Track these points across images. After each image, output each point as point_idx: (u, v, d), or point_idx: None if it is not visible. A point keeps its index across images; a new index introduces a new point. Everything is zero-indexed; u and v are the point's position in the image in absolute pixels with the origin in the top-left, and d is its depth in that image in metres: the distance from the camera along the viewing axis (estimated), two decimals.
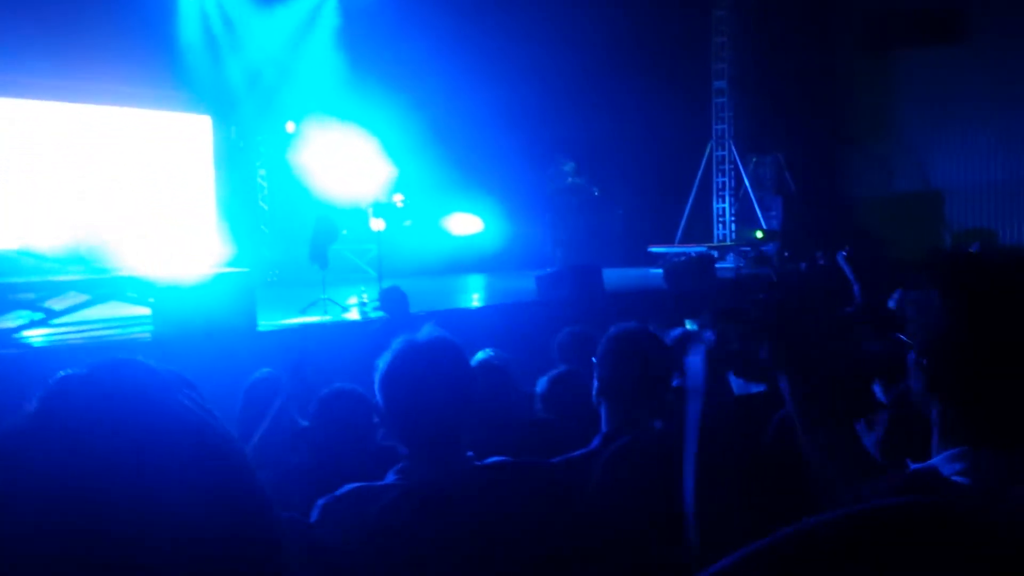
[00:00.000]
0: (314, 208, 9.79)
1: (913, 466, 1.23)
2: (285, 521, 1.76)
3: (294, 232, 10.41)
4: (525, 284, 9.21)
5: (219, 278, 6.00)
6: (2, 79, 8.98)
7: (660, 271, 9.88)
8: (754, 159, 14.57)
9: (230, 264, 8.62)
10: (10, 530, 0.63)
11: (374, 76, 11.41)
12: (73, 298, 6.27)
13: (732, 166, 14.61)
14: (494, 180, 12.44)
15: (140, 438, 0.66)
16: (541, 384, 3.27)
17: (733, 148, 14.55)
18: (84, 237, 7.41)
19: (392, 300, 6.12)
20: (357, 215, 9.96)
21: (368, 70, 11.52)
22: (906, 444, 1.67)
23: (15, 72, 8.98)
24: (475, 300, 9.48)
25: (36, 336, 5.74)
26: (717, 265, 11.06)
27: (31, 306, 6.02)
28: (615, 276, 9.90)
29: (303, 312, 7.27)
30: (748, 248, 13.09)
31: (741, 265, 12.59)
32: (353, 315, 7.56)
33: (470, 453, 1.94)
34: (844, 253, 5.16)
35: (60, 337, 5.74)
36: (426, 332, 1.95)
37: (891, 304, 2.58)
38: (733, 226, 14.72)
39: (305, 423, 2.83)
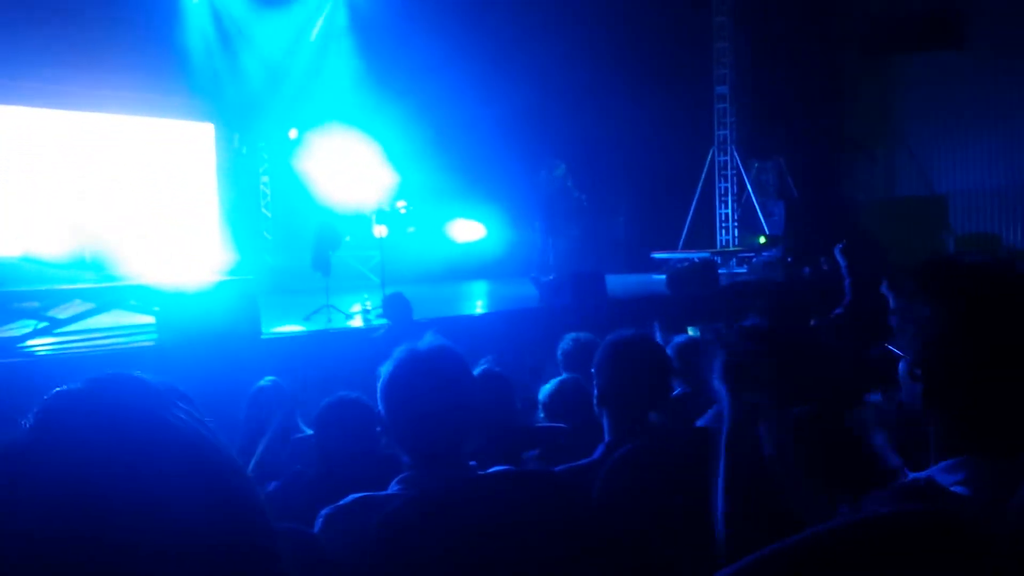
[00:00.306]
0: (317, 215, 9.80)
1: (911, 475, 1.23)
2: (287, 532, 1.77)
3: (297, 239, 10.42)
4: (528, 290, 9.22)
5: (223, 285, 6.02)
6: (5, 86, 9.01)
7: (663, 277, 9.88)
8: (756, 164, 14.56)
9: (233, 271, 8.64)
10: (6, 545, 0.63)
11: (377, 82, 11.44)
12: (77, 307, 6.28)
13: (734, 171, 14.60)
14: (496, 186, 12.45)
15: (134, 453, 0.67)
16: (544, 392, 3.26)
17: (735, 153, 14.54)
18: (87, 244, 7.43)
19: (395, 307, 6.13)
20: (360, 222, 9.97)
21: (371, 76, 11.55)
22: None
23: (19, 79, 9.01)
24: (479, 307, 9.49)
25: (41, 345, 5.75)
26: (720, 271, 11.05)
27: (35, 315, 6.03)
28: (618, 282, 9.89)
29: (307, 320, 7.28)
30: (751, 253, 13.08)
31: (744, 271, 12.58)
32: (357, 322, 7.57)
33: (473, 463, 1.94)
34: (841, 245, 5.15)
35: (64, 346, 5.75)
36: (428, 341, 1.95)
37: (883, 289, 2.56)
38: (736, 231, 14.71)
39: (308, 431, 2.83)
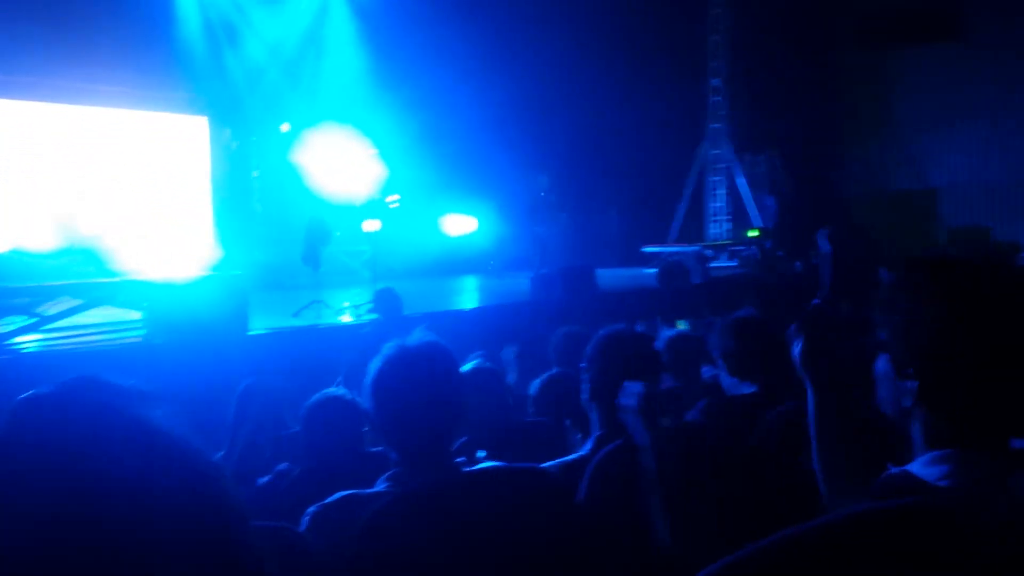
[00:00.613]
0: (308, 209, 9.76)
1: (893, 469, 1.22)
2: (274, 529, 1.75)
3: (288, 234, 10.38)
4: (519, 284, 9.20)
5: (211, 280, 5.97)
6: None
7: (654, 271, 9.88)
8: (748, 157, 14.58)
9: (223, 266, 8.59)
10: None
11: (369, 77, 11.41)
12: (66, 303, 6.24)
13: (726, 165, 14.61)
14: (488, 180, 12.43)
15: (101, 456, 0.68)
16: (534, 386, 3.25)
17: (728, 146, 14.55)
18: (77, 237, 7.39)
19: (386, 302, 6.11)
20: (351, 216, 9.93)
21: (363, 72, 11.51)
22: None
23: (10, 73, 8.95)
24: (470, 299, 9.47)
25: (29, 342, 5.71)
26: (711, 264, 11.06)
27: (24, 311, 5.99)
28: (609, 276, 9.89)
29: (296, 315, 7.25)
30: (742, 247, 13.10)
31: (735, 264, 12.60)
32: (346, 318, 7.54)
33: (462, 459, 1.93)
34: (826, 231, 4.98)
35: (53, 342, 5.71)
36: (416, 337, 1.94)
37: (882, 275, 2.55)
38: (727, 225, 14.72)
39: (295, 428, 2.82)
